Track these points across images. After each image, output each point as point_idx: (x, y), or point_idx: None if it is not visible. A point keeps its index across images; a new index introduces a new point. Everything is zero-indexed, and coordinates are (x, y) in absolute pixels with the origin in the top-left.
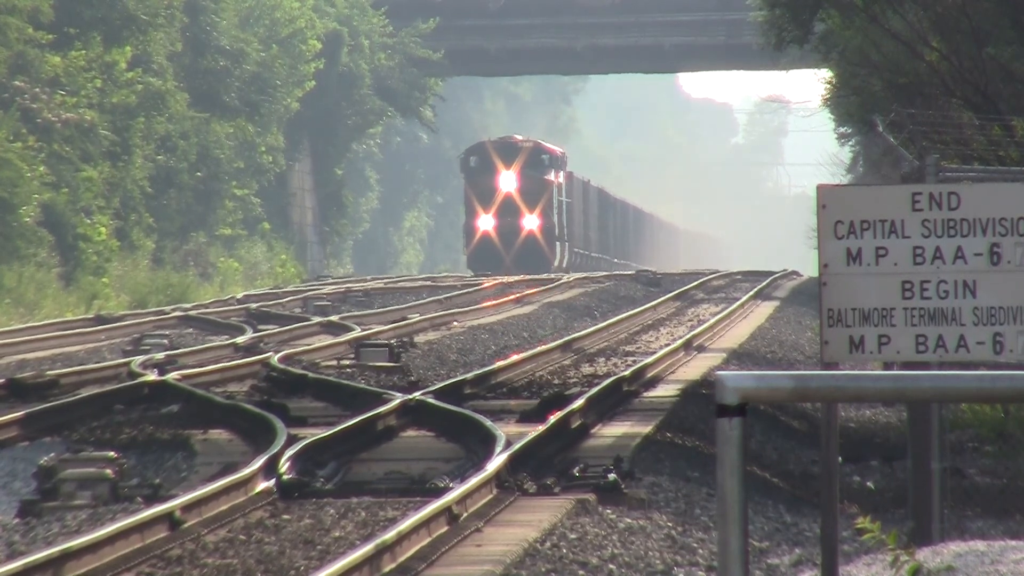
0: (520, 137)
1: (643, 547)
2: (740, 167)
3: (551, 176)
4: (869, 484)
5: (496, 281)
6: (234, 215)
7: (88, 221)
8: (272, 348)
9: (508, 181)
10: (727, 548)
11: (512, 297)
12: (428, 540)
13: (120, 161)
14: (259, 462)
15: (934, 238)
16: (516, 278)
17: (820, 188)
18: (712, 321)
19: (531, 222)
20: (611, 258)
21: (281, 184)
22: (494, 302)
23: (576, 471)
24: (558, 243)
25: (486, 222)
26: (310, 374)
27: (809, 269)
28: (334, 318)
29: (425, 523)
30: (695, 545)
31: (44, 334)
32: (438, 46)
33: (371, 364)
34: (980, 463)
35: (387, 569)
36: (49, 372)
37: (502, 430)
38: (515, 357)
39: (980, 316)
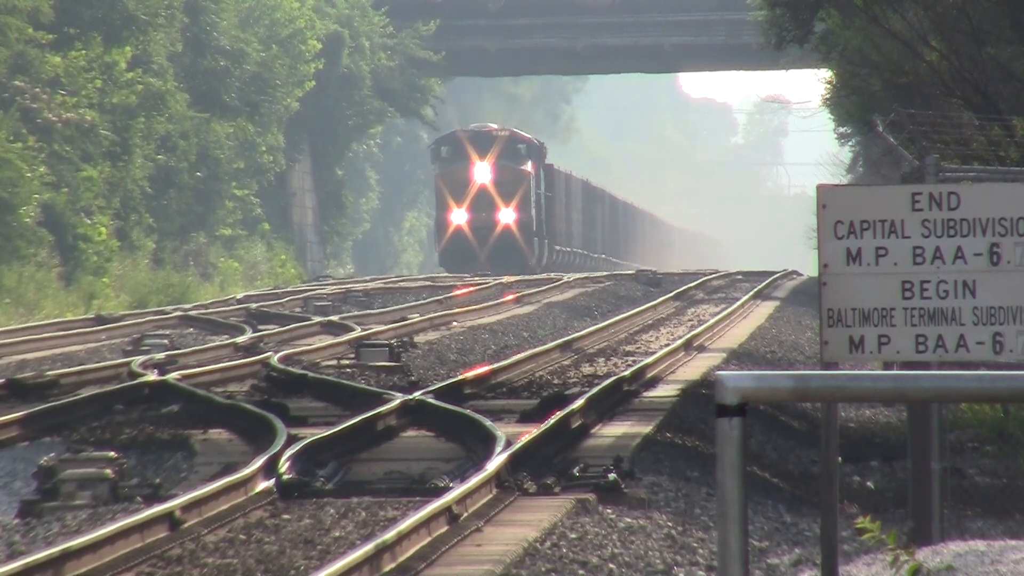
0: (495, 126)
1: (643, 547)
2: (740, 167)
3: (528, 167)
4: (869, 484)
5: (498, 282)
6: (234, 215)
7: (88, 221)
8: (272, 348)
9: (482, 172)
10: (727, 548)
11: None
12: (428, 540)
13: (120, 161)
14: (259, 462)
15: (934, 238)
16: (516, 278)
17: (820, 188)
18: (712, 321)
19: (507, 216)
20: (598, 256)
21: (281, 184)
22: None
23: (576, 471)
24: (536, 239)
25: (459, 216)
26: (310, 374)
27: (809, 269)
28: (334, 318)
29: (425, 523)
30: (695, 545)
31: (44, 334)
32: (438, 47)
33: (371, 364)
34: (980, 463)
35: (387, 569)
36: (49, 372)
37: (502, 430)
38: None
39: (980, 316)
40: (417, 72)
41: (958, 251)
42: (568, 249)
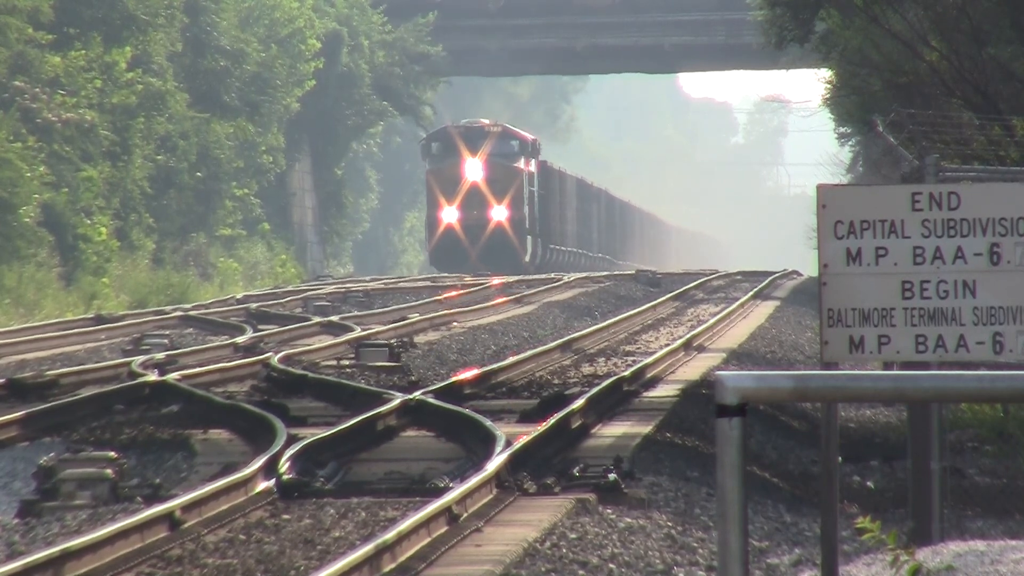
0: (487, 121)
1: (643, 547)
2: (740, 167)
3: (521, 164)
4: (869, 484)
5: (501, 282)
6: (234, 215)
7: (88, 221)
8: (272, 348)
9: (474, 169)
10: (727, 548)
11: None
12: (428, 540)
13: (120, 161)
14: (259, 462)
15: (934, 238)
16: (515, 278)
17: (820, 188)
18: (712, 321)
19: (499, 214)
20: (594, 255)
21: (281, 184)
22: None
23: (576, 471)
24: (529, 237)
25: (450, 214)
26: (310, 374)
27: (809, 269)
28: (334, 318)
29: (425, 523)
30: (695, 545)
31: (44, 334)
32: (438, 45)
33: (371, 364)
34: (980, 463)
35: (387, 569)
36: (49, 372)
37: (502, 430)
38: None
39: (980, 316)
40: (417, 68)
41: (958, 251)
42: (563, 248)
